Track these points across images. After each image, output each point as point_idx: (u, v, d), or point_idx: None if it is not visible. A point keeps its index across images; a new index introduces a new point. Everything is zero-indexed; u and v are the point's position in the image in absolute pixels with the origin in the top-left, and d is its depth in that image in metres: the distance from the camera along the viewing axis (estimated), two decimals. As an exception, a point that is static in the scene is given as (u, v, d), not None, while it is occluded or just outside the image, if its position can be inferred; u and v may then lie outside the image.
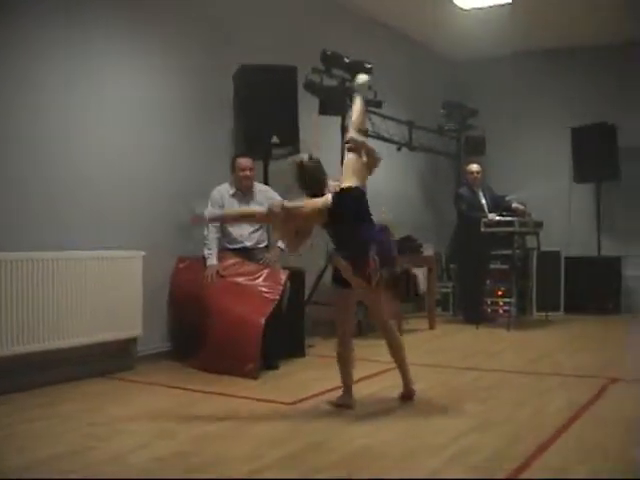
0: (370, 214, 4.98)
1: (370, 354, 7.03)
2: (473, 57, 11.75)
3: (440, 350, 7.58)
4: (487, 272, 9.48)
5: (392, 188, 10.20)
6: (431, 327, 8.92)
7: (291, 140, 7.20)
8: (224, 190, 6.79)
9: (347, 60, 7.96)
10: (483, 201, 9.58)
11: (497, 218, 8.91)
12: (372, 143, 8.81)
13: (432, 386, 5.71)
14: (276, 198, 6.89)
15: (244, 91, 7.14)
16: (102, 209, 6.25)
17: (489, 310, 9.56)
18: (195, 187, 6.91)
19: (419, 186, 11.35)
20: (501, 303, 9.51)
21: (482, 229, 8.91)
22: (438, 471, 3.63)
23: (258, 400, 5.21)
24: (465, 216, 9.47)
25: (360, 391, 5.37)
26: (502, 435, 4.29)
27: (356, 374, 5.51)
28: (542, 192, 10.61)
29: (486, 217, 9.03)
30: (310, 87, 7.75)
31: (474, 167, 9.80)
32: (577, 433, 4.33)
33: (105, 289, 5.97)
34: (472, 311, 9.41)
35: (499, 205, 9.37)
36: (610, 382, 5.75)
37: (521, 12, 9.73)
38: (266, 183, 7.15)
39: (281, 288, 6.35)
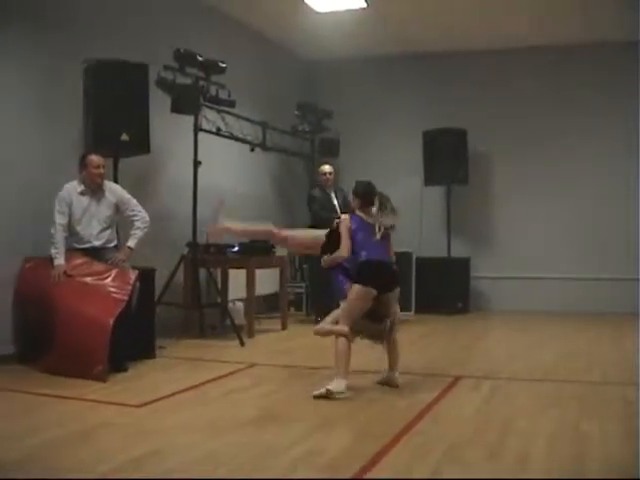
0: None
1: (219, 355, 7.03)
2: (328, 59, 11.88)
3: (292, 350, 7.62)
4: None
5: (245, 188, 10.20)
6: (284, 327, 8.95)
7: (141, 138, 7.10)
8: (72, 188, 6.59)
9: (201, 59, 7.89)
10: (335, 202, 9.68)
11: (349, 219, 8.99)
12: (224, 143, 8.92)
13: (282, 386, 5.73)
14: (125, 197, 6.78)
15: (94, 87, 6.97)
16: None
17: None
18: (43, 185, 6.72)
19: (272, 187, 11.37)
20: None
21: (334, 230, 9.00)
22: (285, 472, 3.63)
23: (106, 403, 5.09)
24: (317, 217, 9.53)
25: (210, 392, 5.35)
26: (349, 434, 4.34)
27: (206, 375, 5.48)
28: (394, 194, 10.79)
29: (338, 218, 9.10)
30: (162, 85, 7.63)
31: (326, 168, 9.87)
32: (422, 431, 4.43)
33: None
34: (325, 311, 9.46)
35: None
36: (456, 380, 5.91)
37: (375, 17, 9.90)
38: (116, 181, 7.01)
39: (130, 288, 6.23)
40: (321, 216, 9.34)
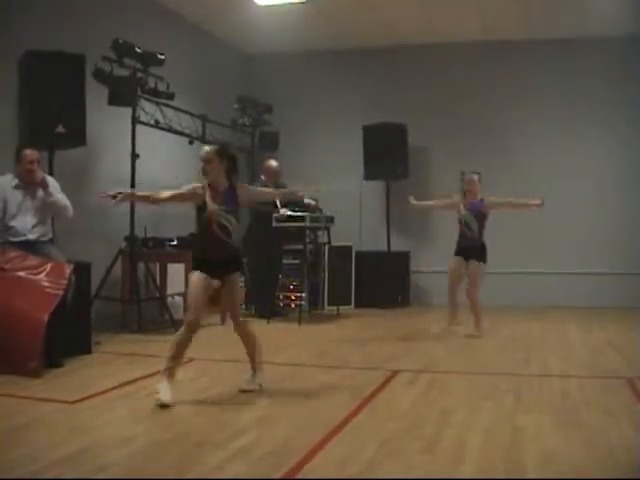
0: None
1: (156, 350, 6.95)
2: (268, 53, 11.84)
3: (230, 344, 7.52)
4: (279, 266, 9.55)
5: (184, 182, 10.09)
6: (223, 322, 8.88)
7: (78, 130, 6.99)
8: (6, 182, 6.46)
9: (139, 50, 7.80)
10: (275, 196, 9.65)
11: (289, 213, 9.00)
12: (163, 136, 8.83)
13: (220, 381, 5.70)
14: (57, 190, 6.63)
15: (29, 77, 6.85)
16: None
17: (281, 304, 9.62)
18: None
19: (212, 180, 11.28)
20: (293, 297, 9.59)
21: (274, 224, 8.98)
22: (221, 467, 3.61)
23: (40, 400, 5.00)
24: (257, 211, 9.50)
25: (146, 387, 5.29)
26: (287, 428, 4.33)
27: (143, 370, 5.40)
28: (334, 188, 10.79)
29: (278, 212, 9.09)
30: (99, 76, 7.52)
31: (275, 164, 9.81)
32: (359, 424, 4.44)
33: None
34: (264, 305, 9.46)
35: (291, 200, 9.45)
36: (394, 373, 5.93)
37: (315, 12, 9.90)
38: (51, 174, 6.88)
39: (65, 282, 6.12)
40: (261, 210, 9.31)
